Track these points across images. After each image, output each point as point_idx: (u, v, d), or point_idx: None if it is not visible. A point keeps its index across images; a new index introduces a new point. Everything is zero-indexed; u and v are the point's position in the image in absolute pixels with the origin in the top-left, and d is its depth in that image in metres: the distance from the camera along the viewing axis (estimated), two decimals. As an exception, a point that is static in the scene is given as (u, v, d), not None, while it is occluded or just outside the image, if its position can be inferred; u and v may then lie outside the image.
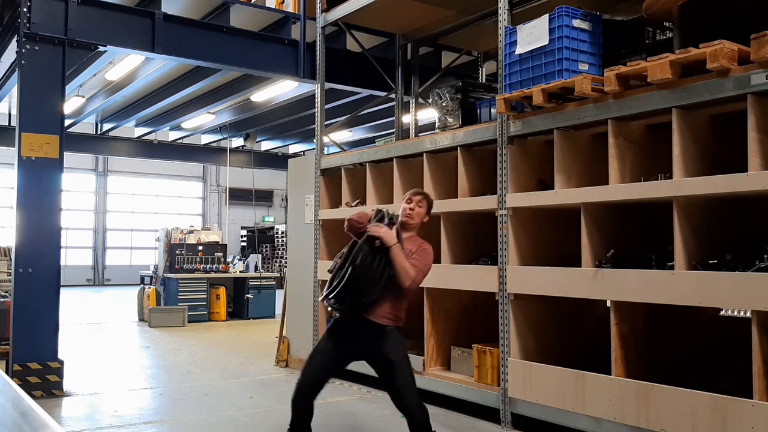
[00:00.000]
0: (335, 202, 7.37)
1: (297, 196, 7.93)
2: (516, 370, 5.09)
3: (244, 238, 25.22)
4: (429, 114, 10.10)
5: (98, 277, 24.34)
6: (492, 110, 5.75)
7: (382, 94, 8.81)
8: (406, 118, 8.71)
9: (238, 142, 17.61)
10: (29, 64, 6.32)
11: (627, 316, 4.48)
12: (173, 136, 17.14)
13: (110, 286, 23.61)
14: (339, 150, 8.06)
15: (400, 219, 3.95)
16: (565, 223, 5.19)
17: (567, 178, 4.86)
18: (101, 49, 7.08)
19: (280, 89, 10.98)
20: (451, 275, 5.73)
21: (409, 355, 3.91)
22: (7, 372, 6.11)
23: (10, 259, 8.00)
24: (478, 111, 6.10)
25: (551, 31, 4.75)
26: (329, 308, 3.81)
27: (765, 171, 3.73)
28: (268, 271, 15.90)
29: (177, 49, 7.39)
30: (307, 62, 8.08)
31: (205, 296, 12.22)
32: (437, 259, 5.86)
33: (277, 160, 18.70)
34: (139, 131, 16.45)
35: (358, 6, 7.01)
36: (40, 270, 6.20)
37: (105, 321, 12.65)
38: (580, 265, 4.66)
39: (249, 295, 12.64)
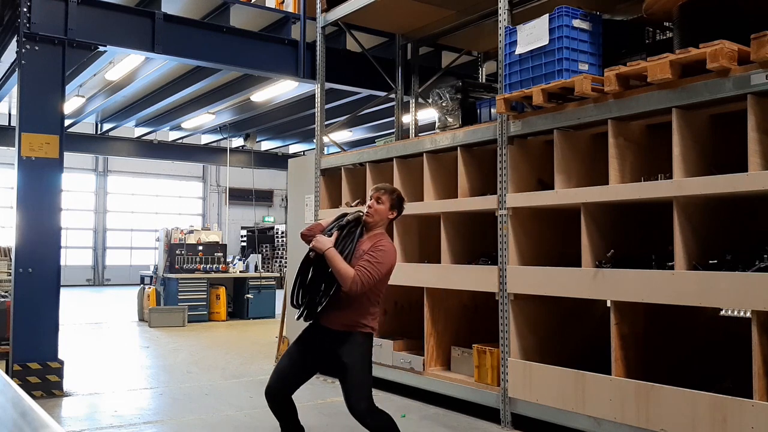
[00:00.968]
0: (335, 202, 7.37)
1: (297, 196, 7.93)
2: (516, 370, 5.09)
3: (244, 238, 25.22)
4: (429, 114, 10.10)
5: (98, 277, 24.34)
6: (492, 110, 5.75)
7: (382, 94, 8.81)
8: (406, 118, 8.71)
9: (238, 142, 17.59)
10: (29, 64, 6.32)
11: (627, 316, 4.48)
12: (173, 136, 17.13)
13: (110, 286, 23.61)
14: (339, 150, 8.06)
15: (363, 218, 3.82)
16: (565, 223, 5.19)
17: (567, 178, 4.86)
18: (101, 49, 7.07)
19: (280, 89, 10.97)
20: (451, 275, 5.73)
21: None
22: (7, 372, 6.11)
23: (10, 259, 8.01)
24: (478, 111, 6.10)
25: (551, 31, 4.75)
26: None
27: (765, 171, 3.73)
28: (268, 271, 15.89)
29: (177, 49, 7.39)
30: (307, 62, 8.08)
31: (205, 296, 12.21)
32: (437, 259, 5.89)
33: (277, 160, 18.69)
34: (139, 131, 16.44)
35: (358, 6, 7.01)
36: (40, 270, 6.20)
37: (105, 321, 12.65)
38: (580, 265, 4.66)
39: (249, 295, 12.64)
